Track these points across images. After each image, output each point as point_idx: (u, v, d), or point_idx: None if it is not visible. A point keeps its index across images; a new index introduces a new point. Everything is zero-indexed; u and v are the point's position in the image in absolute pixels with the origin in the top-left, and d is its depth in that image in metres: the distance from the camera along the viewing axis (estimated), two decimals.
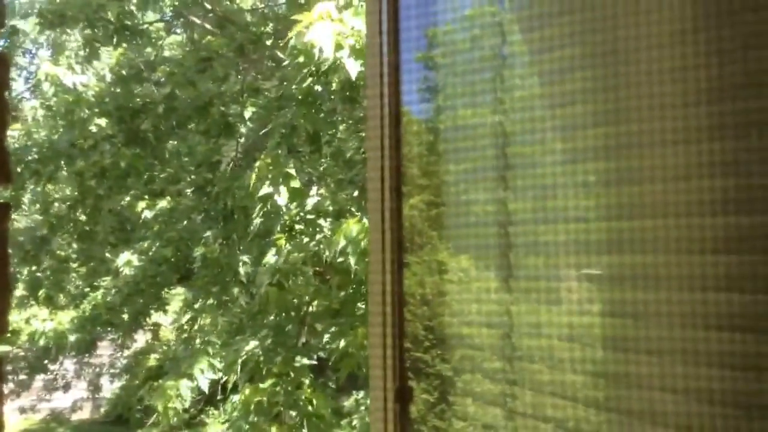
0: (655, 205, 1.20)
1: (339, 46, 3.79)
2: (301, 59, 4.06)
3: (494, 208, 1.53)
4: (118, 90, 6.07)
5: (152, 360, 9.29)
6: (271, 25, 6.81)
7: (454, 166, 1.63)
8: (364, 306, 4.76)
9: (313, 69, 4.22)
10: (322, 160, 6.05)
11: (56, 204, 6.16)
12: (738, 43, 1.14)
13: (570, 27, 1.33)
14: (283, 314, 5.00)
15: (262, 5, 8.02)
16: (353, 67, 3.81)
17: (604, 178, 1.31)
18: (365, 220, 4.15)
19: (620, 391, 1.25)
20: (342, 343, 4.40)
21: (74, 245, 7.28)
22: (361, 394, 6.49)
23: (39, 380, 10.04)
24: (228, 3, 7.74)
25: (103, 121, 5.90)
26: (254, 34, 6.27)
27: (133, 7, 6.29)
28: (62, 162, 5.52)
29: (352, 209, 4.75)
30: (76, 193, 5.94)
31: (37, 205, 7.00)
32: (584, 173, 1.34)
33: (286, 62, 5.58)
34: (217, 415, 8.70)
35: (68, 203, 5.97)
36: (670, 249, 1.17)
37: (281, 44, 5.45)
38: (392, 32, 1.62)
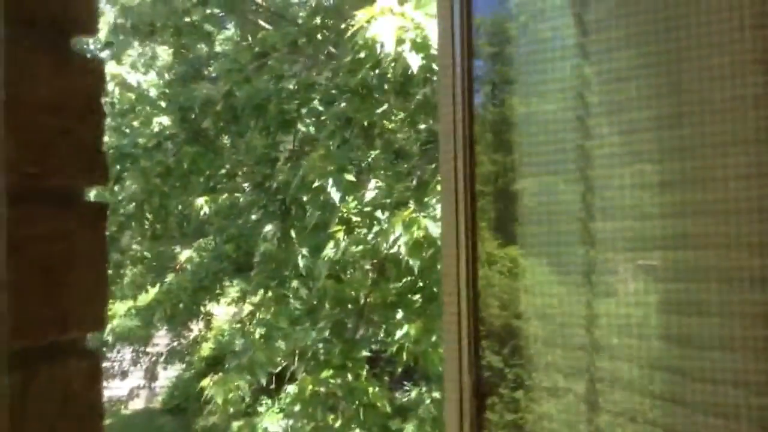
0: (719, 204, 1.19)
1: (400, 41, 3.82)
2: (362, 54, 4.09)
3: (573, 204, 1.51)
4: (179, 89, 6.19)
5: (207, 350, 9.50)
6: (319, 18, 6.86)
7: (534, 159, 1.62)
8: (420, 298, 4.78)
9: (374, 63, 4.24)
10: (372, 152, 6.08)
11: (124, 204, 6.36)
12: None
13: (640, 27, 1.32)
14: (340, 307, 5.05)
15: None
16: (414, 61, 3.85)
17: (675, 177, 1.30)
18: (418, 214, 4.18)
19: (694, 385, 1.25)
20: (399, 335, 4.43)
21: (136, 244, 7.48)
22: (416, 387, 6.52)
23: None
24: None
25: (165, 120, 6.03)
26: (308, 27, 6.32)
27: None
28: (128, 163, 5.69)
29: (411, 202, 4.77)
30: (140, 192, 6.12)
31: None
32: (659, 173, 1.34)
33: (341, 55, 5.61)
34: (271, 404, 8.86)
35: (135, 203, 6.15)
36: (734, 247, 1.17)
37: (343, 37, 5.47)
38: (465, 26, 1.61)
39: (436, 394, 5.41)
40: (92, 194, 0.70)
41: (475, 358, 1.57)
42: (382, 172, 6.10)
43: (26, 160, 0.61)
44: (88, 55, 0.71)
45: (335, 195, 4.44)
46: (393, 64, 3.91)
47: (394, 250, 4.11)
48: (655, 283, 1.35)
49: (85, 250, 0.67)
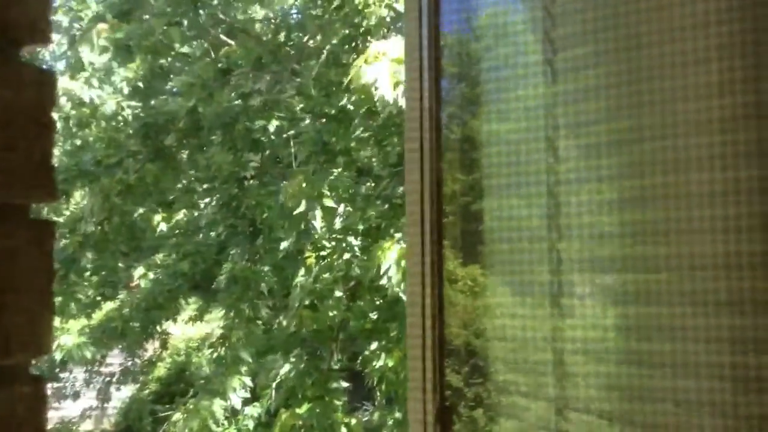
0: (683, 224, 1.21)
1: (398, 83, 3.89)
2: (353, 98, 4.12)
3: (541, 224, 1.51)
4: (140, 104, 6.10)
5: (162, 370, 9.28)
6: (283, 34, 6.84)
7: (497, 180, 1.62)
8: (398, 328, 4.76)
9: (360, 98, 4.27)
10: (334, 170, 6.08)
11: (84, 222, 6.19)
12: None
13: (605, 46, 1.33)
14: (316, 336, 5.01)
15: (273, 16, 8.04)
16: None
17: (637, 197, 1.31)
18: (400, 242, 4.17)
19: (655, 406, 1.25)
20: (379, 364, 4.41)
21: (89, 256, 7.30)
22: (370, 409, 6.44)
23: (48, 388, 10.02)
24: (240, 16, 7.76)
25: (123, 137, 5.91)
26: (272, 44, 6.30)
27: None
28: (87, 181, 5.56)
29: (382, 226, 4.77)
30: (99, 211, 5.96)
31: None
32: (621, 193, 1.35)
33: (306, 73, 5.61)
34: (227, 425, 8.71)
35: (95, 220, 6.01)
36: (699, 268, 1.19)
37: (306, 55, 5.46)
38: (433, 46, 1.61)
39: (399, 415, 5.38)
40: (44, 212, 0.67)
41: (439, 378, 1.56)
42: (342, 191, 6.09)
43: None
44: (40, 66, 0.68)
45: (318, 222, 4.40)
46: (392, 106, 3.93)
47: (384, 281, 4.10)
48: (617, 304, 1.36)
49: (30, 269, 0.64)
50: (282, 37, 6.66)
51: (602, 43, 1.29)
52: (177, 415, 5.18)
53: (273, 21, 7.34)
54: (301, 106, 5.47)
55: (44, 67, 0.69)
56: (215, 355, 6.24)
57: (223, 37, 7.38)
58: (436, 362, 1.55)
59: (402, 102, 3.89)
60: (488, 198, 1.64)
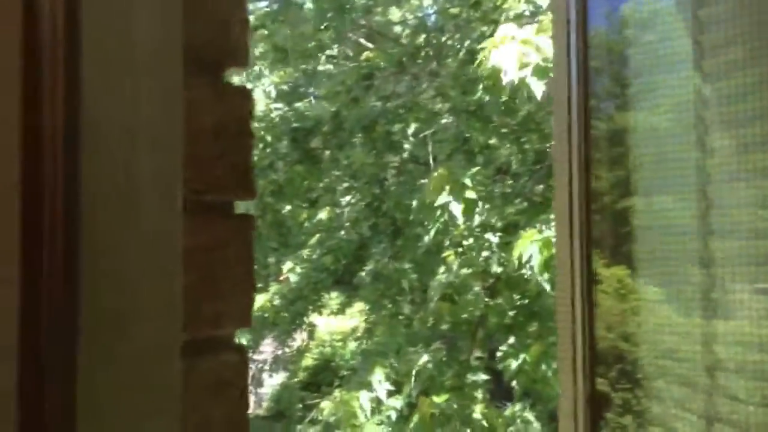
0: None
1: (524, 65, 3.87)
2: (483, 84, 4.14)
3: (693, 222, 1.48)
4: (287, 108, 6.46)
5: (309, 360, 9.77)
6: (422, 37, 6.94)
7: (646, 176, 1.60)
8: (537, 323, 4.75)
9: (491, 84, 4.28)
10: (474, 169, 6.11)
11: None
12: None
13: (757, 45, 1.29)
14: (455, 329, 5.10)
15: (411, 17, 8.16)
16: (537, 87, 3.88)
17: None
18: (544, 234, 4.15)
19: None
20: (517, 362, 4.43)
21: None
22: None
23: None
24: (379, 18, 7.96)
25: (274, 139, 6.30)
26: (412, 46, 6.43)
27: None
28: None
29: (520, 223, 4.77)
30: (254, 210, 6.41)
31: None
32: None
33: (444, 73, 5.70)
34: (370, 416, 8.99)
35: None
36: None
37: (446, 55, 5.53)
38: (581, 43, 1.62)
39: (527, 414, 5.34)
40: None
41: (590, 377, 1.57)
42: (480, 187, 6.11)
43: (193, 178, 0.71)
44: (240, 85, 0.80)
45: (456, 210, 4.45)
46: (517, 92, 3.92)
47: (525, 270, 4.11)
48: None
49: (236, 256, 0.76)
50: (421, 39, 6.77)
51: (750, 44, 1.26)
52: (325, 403, 5.44)
53: (410, 23, 7.48)
54: (439, 106, 5.57)
55: (244, 85, 0.81)
56: (361, 347, 6.47)
57: (362, 41, 7.61)
58: (587, 362, 1.57)
59: (531, 84, 3.85)
60: (636, 196, 1.63)
